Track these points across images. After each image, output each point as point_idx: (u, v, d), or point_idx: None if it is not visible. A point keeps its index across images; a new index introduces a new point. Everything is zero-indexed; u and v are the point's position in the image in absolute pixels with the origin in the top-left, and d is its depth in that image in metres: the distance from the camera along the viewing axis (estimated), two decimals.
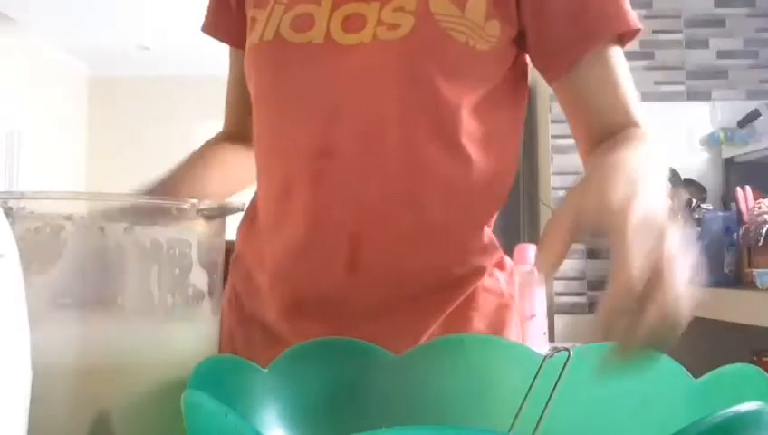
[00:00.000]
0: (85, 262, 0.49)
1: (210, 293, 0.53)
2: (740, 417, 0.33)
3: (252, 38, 0.75)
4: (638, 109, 0.73)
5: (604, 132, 0.72)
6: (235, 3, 0.82)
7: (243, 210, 0.54)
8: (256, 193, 0.81)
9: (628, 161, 0.55)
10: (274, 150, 0.75)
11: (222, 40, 0.86)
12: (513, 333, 0.78)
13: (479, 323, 0.75)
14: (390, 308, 0.72)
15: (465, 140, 0.71)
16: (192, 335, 0.52)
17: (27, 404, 0.38)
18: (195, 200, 0.52)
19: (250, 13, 0.77)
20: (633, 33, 0.74)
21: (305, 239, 0.72)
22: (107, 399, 0.48)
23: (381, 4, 0.70)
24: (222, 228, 0.55)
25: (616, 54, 0.74)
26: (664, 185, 0.56)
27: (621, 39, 0.74)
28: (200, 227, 0.52)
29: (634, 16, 0.73)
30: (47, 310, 0.48)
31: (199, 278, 0.52)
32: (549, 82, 0.76)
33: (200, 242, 0.52)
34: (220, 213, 0.53)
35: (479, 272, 0.76)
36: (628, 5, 0.74)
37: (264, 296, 0.77)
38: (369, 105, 0.70)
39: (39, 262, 0.47)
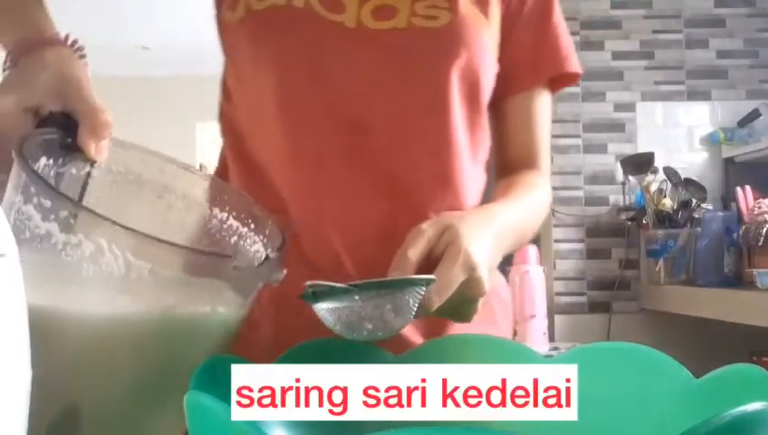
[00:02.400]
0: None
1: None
2: (748, 416, 0.33)
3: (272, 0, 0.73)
4: (546, 152, 0.85)
5: (513, 165, 0.83)
6: None
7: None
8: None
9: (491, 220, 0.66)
10: (302, 120, 0.74)
11: None
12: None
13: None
14: None
15: (483, 123, 0.79)
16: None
17: (27, 404, 0.38)
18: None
19: None
20: (574, 77, 0.84)
21: (341, 212, 0.73)
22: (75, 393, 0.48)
23: (413, 0, 0.73)
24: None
25: (546, 97, 0.84)
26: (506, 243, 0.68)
27: (560, 81, 0.84)
28: None
29: (577, 62, 0.84)
30: None
31: None
32: (496, 101, 0.82)
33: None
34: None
35: None
36: (573, 50, 0.84)
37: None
38: (407, 85, 0.73)
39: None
